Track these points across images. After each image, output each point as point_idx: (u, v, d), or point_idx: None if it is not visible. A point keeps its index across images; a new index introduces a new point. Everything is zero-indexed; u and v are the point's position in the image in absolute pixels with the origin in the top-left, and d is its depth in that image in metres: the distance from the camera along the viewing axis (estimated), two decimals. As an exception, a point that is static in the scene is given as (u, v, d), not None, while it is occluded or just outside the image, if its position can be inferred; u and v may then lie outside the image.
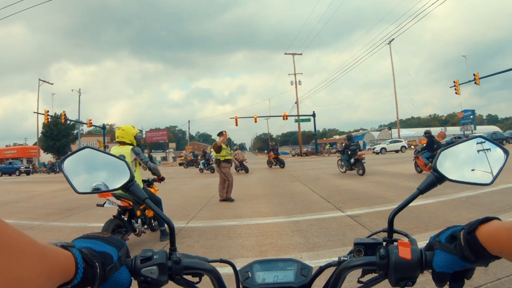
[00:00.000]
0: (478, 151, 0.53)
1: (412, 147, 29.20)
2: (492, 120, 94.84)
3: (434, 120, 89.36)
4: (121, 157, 0.57)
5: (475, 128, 32.49)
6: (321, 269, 0.58)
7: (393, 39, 32.08)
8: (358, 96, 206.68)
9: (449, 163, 0.54)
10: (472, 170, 0.53)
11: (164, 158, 57.09)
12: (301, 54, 40.45)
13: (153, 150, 59.75)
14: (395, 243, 0.51)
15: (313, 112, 35.81)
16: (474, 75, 22.52)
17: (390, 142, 32.00)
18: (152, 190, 4.01)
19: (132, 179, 0.55)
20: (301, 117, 36.91)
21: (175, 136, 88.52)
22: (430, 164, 8.87)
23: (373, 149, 32.54)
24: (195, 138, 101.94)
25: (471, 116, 33.33)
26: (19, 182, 18.52)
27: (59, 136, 41.62)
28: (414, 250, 0.48)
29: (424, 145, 9.74)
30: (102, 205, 3.45)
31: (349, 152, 10.48)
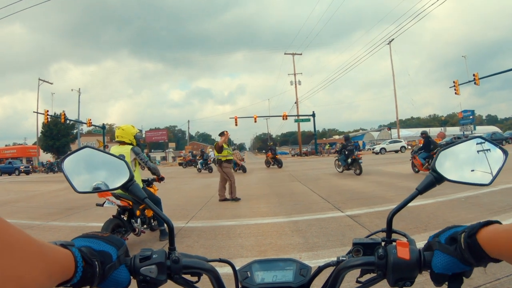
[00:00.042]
0: (478, 151, 0.53)
1: (410, 147, 29.21)
2: (491, 120, 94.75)
3: (434, 120, 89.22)
4: (121, 157, 0.58)
5: (474, 129, 32.43)
6: (320, 269, 0.58)
7: (393, 39, 32.19)
8: (358, 96, 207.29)
9: (448, 163, 0.54)
10: (472, 170, 0.53)
11: (164, 158, 57.04)
12: (301, 54, 40.50)
13: (152, 150, 59.79)
14: (394, 243, 0.51)
15: (313, 112, 35.86)
16: (473, 75, 22.56)
17: (390, 142, 31.99)
18: (151, 189, 4.01)
19: (131, 178, 0.55)
20: (300, 117, 36.91)
21: (175, 136, 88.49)
22: (427, 164, 8.90)
23: (373, 149, 32.53)
24: (195, 138, 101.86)
25: (471, 117, 33.30)
26: (18, 181, 18.50)
27: (58, 135, 41.51)
28: (413, 250, 0.48)
29: (421, 145, 9.78)
30: (102, 205, 3.45)
31: (346, 152, 10.62)
